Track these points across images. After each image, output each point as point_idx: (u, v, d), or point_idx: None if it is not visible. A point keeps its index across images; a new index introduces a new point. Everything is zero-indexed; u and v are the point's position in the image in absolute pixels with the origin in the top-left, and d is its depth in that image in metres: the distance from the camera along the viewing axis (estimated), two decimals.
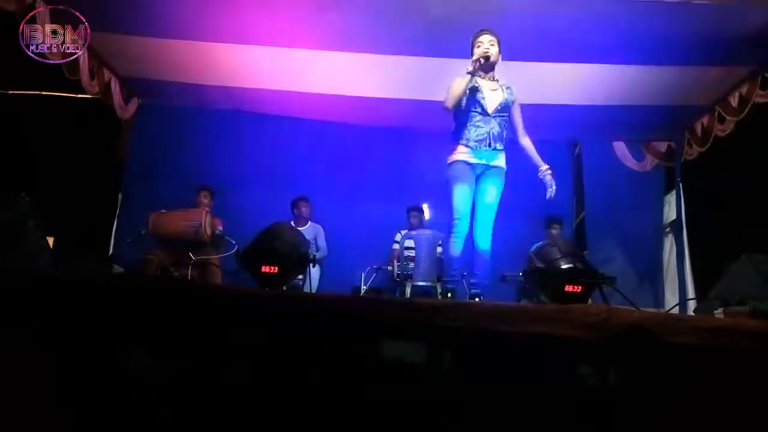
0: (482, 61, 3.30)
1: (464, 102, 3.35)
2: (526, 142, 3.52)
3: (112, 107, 5.18)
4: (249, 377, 1.66)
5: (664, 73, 4.53)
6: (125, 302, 1.75)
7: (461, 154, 3.37)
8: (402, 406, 1.61)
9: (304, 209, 5.39)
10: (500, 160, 3.41)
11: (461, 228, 3.34)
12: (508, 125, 3.48)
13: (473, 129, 3.35)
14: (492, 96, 3.39)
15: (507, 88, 3.45)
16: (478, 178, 3.39)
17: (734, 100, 4.63)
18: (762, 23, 3.80)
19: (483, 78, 3.41)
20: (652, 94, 4.82)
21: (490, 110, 3.36)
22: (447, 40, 4.18)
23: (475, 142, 3.34)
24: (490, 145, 3.35)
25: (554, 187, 3.47)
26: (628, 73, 4.55)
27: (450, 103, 3.32)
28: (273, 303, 1.84)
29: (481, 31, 3.39)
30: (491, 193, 3.38)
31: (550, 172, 3.48)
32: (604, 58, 4.42)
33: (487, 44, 3.35)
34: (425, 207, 5.44)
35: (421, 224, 5.16)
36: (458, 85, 3.30)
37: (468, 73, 3.29)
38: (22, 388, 1.63)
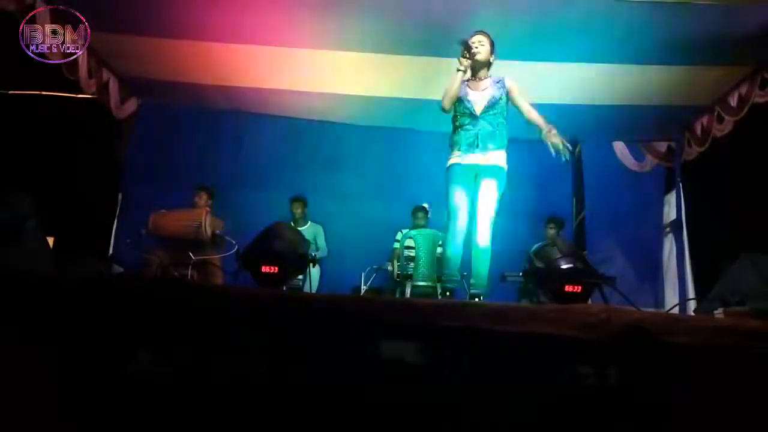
0: (467, 57, 3.30)
1: (455, 107, 3.39)
2: (532, 115, 3.42)
3: (109, 107, 5.18)
4: (249, 377, 1.66)
5: (664, 73, 4.53)
6: (125, 302, 1.75)
7: (456, 158, 3.40)
8: (402, 406, 1.61)
9: (299, 210, 5.35)
10: (497, 159, 3.38)
11: (458, 229, 3.35)
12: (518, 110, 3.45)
13: (463, 133, 3.39)
14: (479, 97, 3.40)
15: (497, 83, 3.44)
16: (476, 178, 3.39)
17: (734, 100, 4.63)
18: (762, 23, 3.80)
19: (472, 80, 3.44)
20: (652, 94, 4.82)
21: (477, 112, 3.38)
22: (447, 40, 4.17)
23: (465, 146, 3.37)
24: (478, 147, 3.36)
25: (565, 149, 3.25)
26: (628, 73, 4.55)
27: (446, 104, 3.36)
28: (273, 303, 1.84)
29: (474, 32, 3.42)
30: (489, 193, 3.37)
31: (555, 132, 3.28)
32: (604, 58, 4.42)
33: (477, 44, 3.37)
34: (425, 207, 5.43)
35: (427, 224, 5.15)
36: (451, 84, 3.34)
37: (458, 70, 3.32)
38: (22, 388, 1.63)
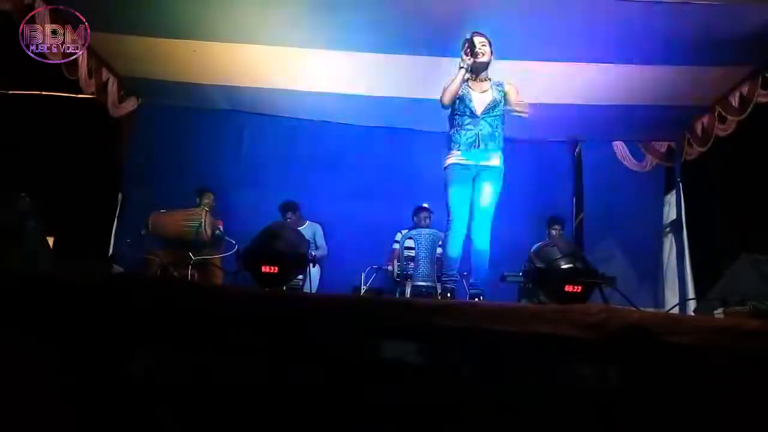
0: (471, 56, 3.32)
1: (456, 105, 3.39)
2: (511, 98, 3.46)
3: (108, 107, 5.17)
4: (249, 378, 1.66)
5: (664, 73, 4.53)
6: (125, 302, 1.75)
7: (454, 157, 3.42)
8: (402, 406, 1.61)
9: (291, 217, 5.24)
10: (494, 160, 3.43)
11: (458, 229, 3.38)
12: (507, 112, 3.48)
13: (463, 132, 3.40)
14: (480, 98, 3.42)
15: (497, 86, 3.47)
16: (474, 178, 3.41)
17: (735, 100, 4.63)
18: (762, 23, 3.80)
19: (473, 80, 3.44)
20: (652, 94, 4.82)
21: (478, 112, 3.40)
22: (447, 40, 4.18)
23: (465, 145, 3.38)
24: (479, 147, 3.38)
25: (526, 109, 3.33)
26: (628, 73, 4.55)
27: (446, 100, 3.38)
28: (273, 303, 1.84)
29: (473, 33, 3.43)
30: (487, 193, 3.41)
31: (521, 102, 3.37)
32: (604, 58, 4.42)
33: (479, 45, 3.38)
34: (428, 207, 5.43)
35: (429, 224, 5.14)
36: (452, 80, 3.36)
37: (461, 67, 3.34)
38: (22, 388, 1.63)
